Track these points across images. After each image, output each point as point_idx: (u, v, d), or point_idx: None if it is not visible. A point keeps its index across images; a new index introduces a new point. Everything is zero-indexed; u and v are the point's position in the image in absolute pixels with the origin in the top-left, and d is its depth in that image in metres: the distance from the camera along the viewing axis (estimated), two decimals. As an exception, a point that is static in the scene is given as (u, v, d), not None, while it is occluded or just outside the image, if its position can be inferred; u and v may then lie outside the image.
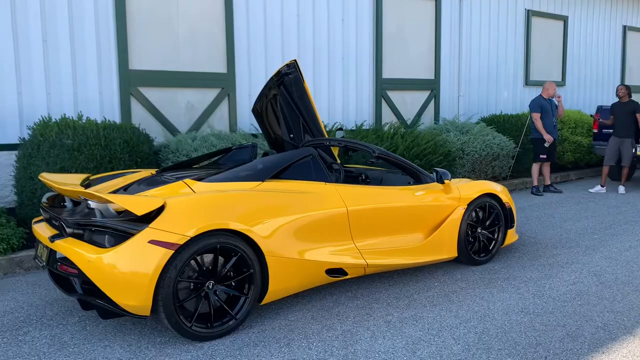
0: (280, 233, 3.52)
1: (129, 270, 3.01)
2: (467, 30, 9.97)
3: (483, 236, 4.76)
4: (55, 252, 3.28)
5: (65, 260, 3.18)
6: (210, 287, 3.29)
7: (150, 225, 3.09)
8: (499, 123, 9.27)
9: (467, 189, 4.64)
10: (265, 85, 5.02)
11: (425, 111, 9.45)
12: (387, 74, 8.81)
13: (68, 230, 3.25)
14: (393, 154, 4.45)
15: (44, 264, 3.39)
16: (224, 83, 7.10)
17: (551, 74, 11.77)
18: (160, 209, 3.17)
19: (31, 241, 4.99)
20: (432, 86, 9.51)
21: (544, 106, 8.16)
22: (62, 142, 4.90)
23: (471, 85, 10.23)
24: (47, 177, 3.76)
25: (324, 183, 3.95)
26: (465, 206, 4.56)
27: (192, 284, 3.26)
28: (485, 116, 9.97)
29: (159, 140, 6.47)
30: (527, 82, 11.24)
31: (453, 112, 9.91)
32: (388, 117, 8.94)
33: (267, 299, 3.51)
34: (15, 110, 5.70)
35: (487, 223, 4.79)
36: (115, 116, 6.30)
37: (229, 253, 3.33)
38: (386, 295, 4.02)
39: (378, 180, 4.99)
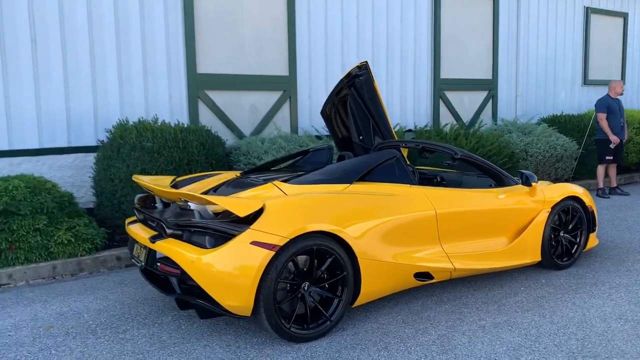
0: (372, 236, 3.50)
1: (232, 270, 3.04)
2: (524, 30, 9.77)
3: (565, 240, 4.63)
4: (154, 252, 3.35)
5: (166, 260, 3.25)
6: (306, 288, 3.30)
7: (252, 226, 3.12)
8: (561, 123, 9.04)
9: (551, 192, 4.52)
10: (335, 87, 5.01)
11: (483, 112, 9.30)
12: (445, 74, 8.71)
13: (168, 231, 3.31)
14: (475, 156, 4.38)
15: (142, 263, 3.47)
16: (286, 85, 7.15)
17: (610, 73, 11.41)
18: (259, 211, 3.20)
19: (112, 241, 5.12)
20: (489, 86, 9.35)
21: (611, 106, 7.90)
22: (142, 145, 5.01)
23: (529, 85, 10.02)
24: (144, 180, 3.85)
25: (409, 185, 3.92)
26: (549, 209, 4.45)
27: (288, 285, 3.27)
28: (544, 117, 9.74)
29: (228, 142, 6.56)
30: (585, 82, 10.93)
31: (510, 113, 9.72)
32: (446, 117, 8.83)
33: (358, 302, 3.50)
34: (90, 113, 5.87)
35: (570, 227, 4.66)
36: (183, 119, 6.42)
37: (324, 255, 3.34)
38: (473, 299, 3.95)
39: (455, 182, 4.92)
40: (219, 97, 6.70)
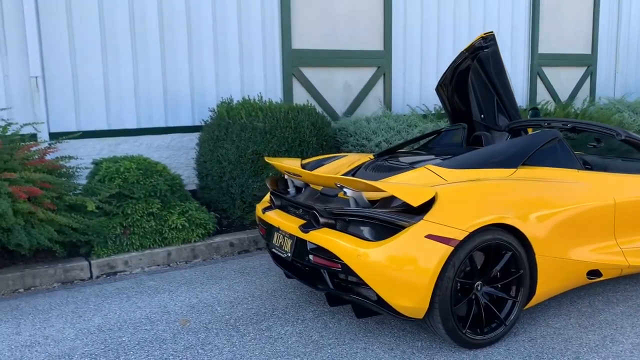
0: (550, 228, 3.06)
1: (406, 267, 2.68)
2: (627, 1, 8.97)
3: None
4: (304, 242, 3.01)
5: (320, 252, 2.91)
6: (479, 288, 2.91)
7: (425, 217, 2.73)
8: (672, 102, 8.26)
9: None
10: (454, 61, 4.52)
11: (580, 89, 8.62)
12: (542, 49, 8.07)
13: (322, 219, 2.96)
14: (640, 137, 3.85)
15: (289, 254, 3.14)
16: (380, 62, 6.70)
17: None
18: (431, 200, 2.81)
19: (220, 226, 4.85)
20: (588, 62, 8.64)
21: None
22: (253, 125, 4.69)
23: (629, 61, 9.24)
24: (284, 163, 3.51)
25: (576, 170, 3.44)
26: None
27: (459, 285, 2.88)
28: (650, 94, 8.98)
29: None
30: (689, 56, 10.01)
31: (609, 90, 8.99)
32: (541, 95, 8.21)
33: (531, 303, 3.08)
34: (187, 91, 5.59)
35: None
36: (277, 97, 6.08)
37: (500, 251, 2.93)
38: (648, 301, 3.48)
39: (601, 166, 4.38)
40: (313, 75, 6.31)
